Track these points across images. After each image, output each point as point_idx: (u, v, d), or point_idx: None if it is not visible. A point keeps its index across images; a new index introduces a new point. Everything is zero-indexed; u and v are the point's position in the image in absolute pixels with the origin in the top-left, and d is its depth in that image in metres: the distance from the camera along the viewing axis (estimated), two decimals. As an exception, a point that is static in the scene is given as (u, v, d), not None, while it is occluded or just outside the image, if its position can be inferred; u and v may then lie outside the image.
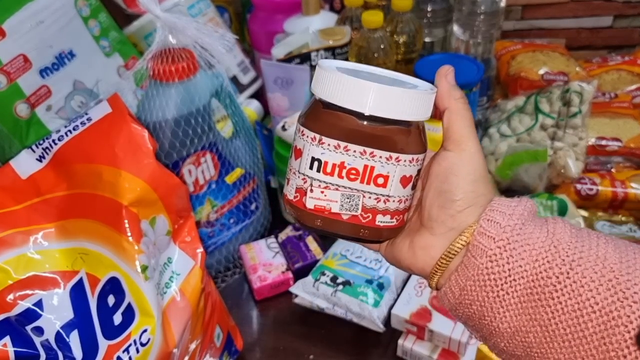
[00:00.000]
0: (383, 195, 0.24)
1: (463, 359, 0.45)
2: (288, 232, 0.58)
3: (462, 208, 0.24)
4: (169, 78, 0.45)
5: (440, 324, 0.45)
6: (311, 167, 0.24)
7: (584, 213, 0.58)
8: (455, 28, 0.70)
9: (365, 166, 0.23)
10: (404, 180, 0.24)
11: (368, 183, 0.23)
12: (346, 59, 0.65)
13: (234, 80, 0.71)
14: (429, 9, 0.70)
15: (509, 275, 0.23)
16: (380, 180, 0.24)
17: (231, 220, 0.55)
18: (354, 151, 0.23)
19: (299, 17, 0.69)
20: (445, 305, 0.26)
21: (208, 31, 0.44)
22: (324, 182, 0.23)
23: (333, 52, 0.64)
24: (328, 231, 0.25)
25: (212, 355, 0.43)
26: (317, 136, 0.23)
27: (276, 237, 0.58)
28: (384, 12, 0.63)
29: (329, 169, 0.23)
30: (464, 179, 0.25)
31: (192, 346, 0.40)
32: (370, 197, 0.24)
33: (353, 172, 0.23)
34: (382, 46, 0.61)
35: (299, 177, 0.24)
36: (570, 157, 0.58)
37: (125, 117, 0.40)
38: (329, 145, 0.23)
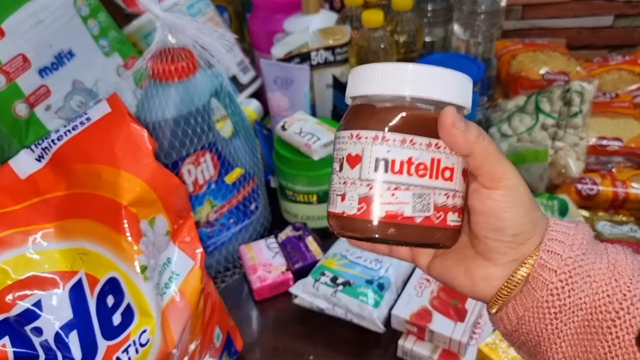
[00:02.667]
0: (451, 190, 0.23)
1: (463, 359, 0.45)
2: (288, 232, 0.58)
3: (524, 240, 0.24)
4: (169, 78, 0.45)
5: (440, 324, 0.44)
6: (376, 169, 0.22)
7: (585, 213, 0.58)
8: (456, 27, 0.70)
9: (432, 159, 0.22)
10: (464, 174, 0.24)
11: (437, 177, 0.22)
12: (346, 59, 0.65)
13: (234, 79, 0.71)
14: (430, 8, 0.70)
15: (569, 309, 0.23)
16: (447, 174, 0.23)
17: (231, 221, 0.55)
18: (420, 144, 0.22)
19: (298, 16, 0.69)
20: (500, 329, 0.26)
21: (208, 31, 0.44)
22: (394, 182, 0.22)
23: (333, 51, 0.64)
24: (399, 240, 0.23)
25: (212, 355, 0.43)
26: (380, 134, 0.22)
27: (276, 237, 0.58)
28: (384, 12, 0.63)
29: (397, 168, 0.22)
30: (519, 213, 0.24)
31: (192, 347, 0.40)
32: (440, 194, 0.22)
33: (421, 167, 0.22)
34: (382, 45, 0.61)
35: (361, 185, 0.22)
36: (570, 157, 0.58)
37: (124, 117, 0.39)
38: (394, 141, 0.22)
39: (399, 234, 0.22)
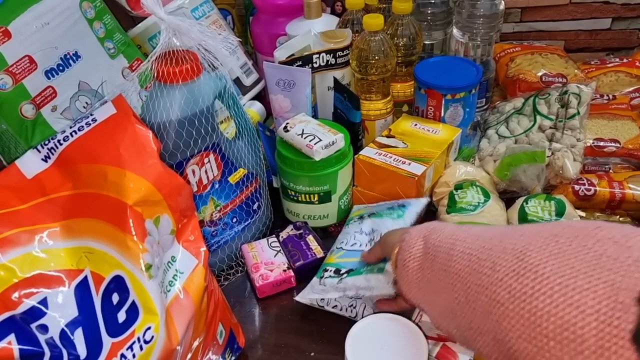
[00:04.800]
0: None
1: (462, 357, 0.45)
2: (289, 231, 0.59)
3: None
4: (173, 79, 0.45)
5: None
6: None
7: (582, 213, 0.58)
8: (455, 30, 0.70)
9: None
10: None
11: None
12: (347, 62, 0.66)
13: (237, 82, 0.72)
14: (429, 11, 0.71)
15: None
16: None
17: (234, 220, 0.56)
18: None
19: (301, 20, 0.70)
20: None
21: (211, 33, 0.44)
22: None
23: (334, 54, 0.65)
24: None
25: (215, 352, 0.44)
26: None
27: (277, 236, 0.58)
28: (385, 15, 0.64)
29: None
30: None
31: (195, 343, 0.41)
32: None
33: None
34: (382, 48, 0.62)
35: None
36: (568, 158, 0.58)
37: (129, 118, 0.40)
38: None
39: None
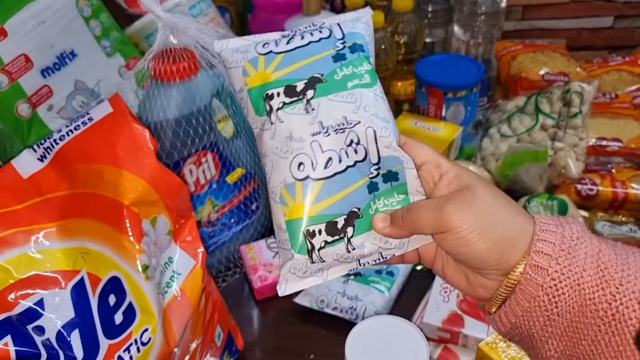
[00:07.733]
0: None
1: (463, 359, 0.45)
2: (288, 232, 0.58)
3: (497, 261, 0.25)
4: (170, 78, 0.45)
5: (473, 327, 0.44)
6: None
7: (584, 213, 0.58)
8: (456, 28, 0.70)
9: None
10: None
11: None
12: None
13: (235, 80, 0.71)
14: (430, 9, 0.70)
15: (558, 315, 0.24)
16: None
17: (232, 220, 0.56)
18: None
19: (300, 17, 0.70)
20: (496, 329, 0.27)
21: (209, 31, 0.44)
22: None
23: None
24: None
25: (213, 354, 0.43)
26: None
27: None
28: (385, 13, 0.63)
29: None
30: (478, 242, 0.24)
31: (193, 346, 0.40)
32: None
33: None
34: (383, 46, 0.61)
35: None
36: (570, 158, 0.58)
37: (126, 117, 0.40)
38: None
39: None
